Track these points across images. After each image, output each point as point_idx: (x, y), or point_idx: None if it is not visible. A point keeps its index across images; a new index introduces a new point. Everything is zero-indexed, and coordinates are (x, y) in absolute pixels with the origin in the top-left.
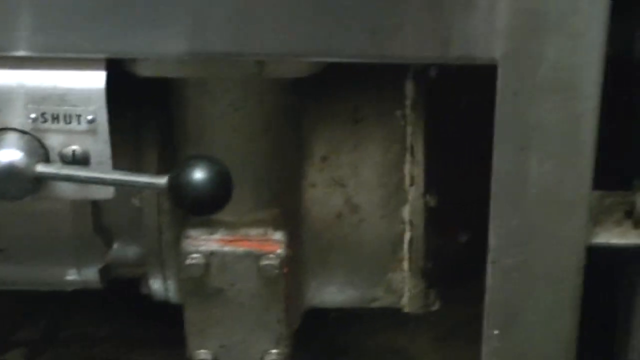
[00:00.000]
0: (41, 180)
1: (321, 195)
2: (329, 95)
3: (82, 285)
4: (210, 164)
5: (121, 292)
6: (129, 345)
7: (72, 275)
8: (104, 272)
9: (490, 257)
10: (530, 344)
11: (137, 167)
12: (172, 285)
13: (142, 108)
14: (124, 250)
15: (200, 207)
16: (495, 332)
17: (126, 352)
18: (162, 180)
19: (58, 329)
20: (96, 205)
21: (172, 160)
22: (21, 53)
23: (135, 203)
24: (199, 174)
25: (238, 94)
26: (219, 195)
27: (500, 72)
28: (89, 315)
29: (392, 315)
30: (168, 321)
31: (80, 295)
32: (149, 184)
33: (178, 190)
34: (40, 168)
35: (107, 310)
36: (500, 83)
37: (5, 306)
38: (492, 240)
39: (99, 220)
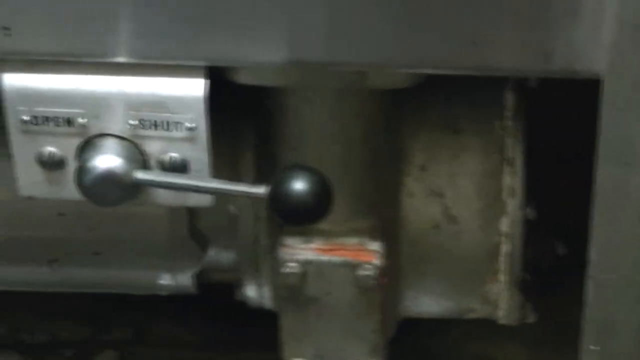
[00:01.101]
0: (139, 187)
1: (419, 205)
2: (428, 104)
3: (175, 290)
4: (311, 175)
5: (211, 296)
6: (217, 349)
7: (165, 280)
8: (197, 277)
9: (589, 271)
10: None
11: (233, 174)
12: (266, 292)
13: (238, 114)
14: (219, 256)
15: (299, 218)
16: (593, 347)
17: (215, 356)
18: (262, 189)
19: (148, 331)
20: (192, 210)
21: (269, 168)
22: (122, 59)
23: (232, 209)
24: (299, 185)
25: (338, 103)
26: (319, 207)
27: (604, 87)
28: (178, 318)
29: (484, 325)
30: (256, 326)
31: (170, 298)
32: (248, 193)
33: (277, 200)
34: (139, 174)
35: (196, 313)
36: (604, 98)
37: (98, 307)
38: (592, 255)
39: (194, 226)
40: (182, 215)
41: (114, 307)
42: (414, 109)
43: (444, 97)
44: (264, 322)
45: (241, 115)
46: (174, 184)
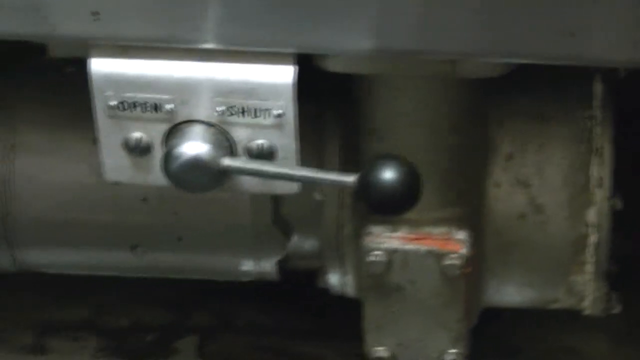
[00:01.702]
0: (226, 174)
1: (505, 194)
2: (516, 93)
3: (257, 277)
4: (401, 164)
5: (293, 283)
6: (299, 336)
7: (248, 266)
8: (281, 264)
9: None
10: None
11: (318, 161)
12: (350, 279)
13: (323, 100)
14: (302, 243)
15: (388, 208)
16: None
17: (296, 344)
18: (351, 178)
19: (230, 317)
20: (276, 197)
21: (354, 155)
22: (210, 46)
23: (316, 196)
24: (388, 174)
25: (427, 91)
26: (408, 197)
27: None
28: (260, 306)
29: (565, 315)
30: (339, 314)
31: (253, 285)
32: (338, 181)
33: (366, 190)
34: (226, 162)
35: (279, 300)
36: None
37: (180, 293)
38: None
39: (278, 212)
40: (266, 202)
41: (196, 292)
42: (502, 97)
43: (532, 86)
44: (346, 310)
45: (326, 101)
46: (263, 171)
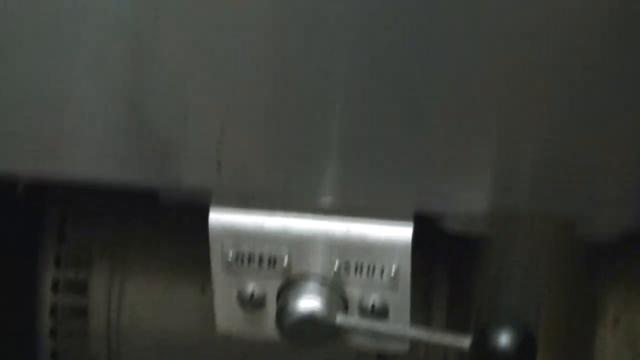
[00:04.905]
0: (340, 331)
1: (611, 357)
2: (626, 255)
3: None
4: (518, 330)
5: None
6: None
7: None
8: None
9: None
10: None
11: (425, 317)
12: None
13: (432, 254)
14: None
15: None
16: None
17: None
18: (466, 342)
19: None
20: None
21: (463, 312)
22: (328, 203)
23: (419, 354)
24: (505, 340)
25: (541, 250)
26: None
27: None
28: None
29: None
30: None
31: None
32: (452, 345)
33: (482, 355)
34: (341, 319)
35: None
36: None
37: None
38: None
39: None
40: (371, 356)
41: None
42: (611, 259)
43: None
44: None
45: (435, 254)
46: (378, 330)
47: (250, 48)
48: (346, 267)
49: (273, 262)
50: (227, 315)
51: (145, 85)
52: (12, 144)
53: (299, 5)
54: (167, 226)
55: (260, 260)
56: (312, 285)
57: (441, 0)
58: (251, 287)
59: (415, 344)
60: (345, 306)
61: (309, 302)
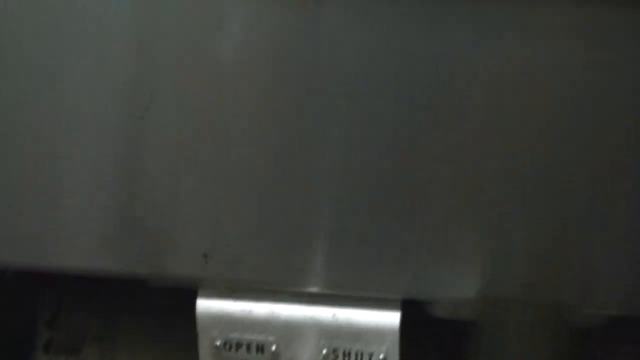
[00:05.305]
0: None
1: None
2: (617, 341)
3: None
4: None
5: None
6: None
7: None
8: None
9: None
10: None
11: None
12: None
13: (423, 339)
14: None
15: None
16: None
17: None
18: None
19: None
20: None
21: None
22: (317, 290)
23: None
24: None
25: (531, 334)
26: None
27: None
28: None
29: None
30: None
31: None
32: None
33: None
34: None
35: None
36: None
37: None
38: None
39: None
40: None
41: None
42: (604, 344)
43: (633, 336)
44: None
45: (425, 340)
46: None
47: (238, 145)
48: (334, 353)
49: (261, 348)
50: None
51: (136, 181)
52: (6, 235)
53: (283, 106)
54: (156, 311)
55: (249, 347)
56: None
57: (432, 96)
58: None
59: None
60: None
61: None
